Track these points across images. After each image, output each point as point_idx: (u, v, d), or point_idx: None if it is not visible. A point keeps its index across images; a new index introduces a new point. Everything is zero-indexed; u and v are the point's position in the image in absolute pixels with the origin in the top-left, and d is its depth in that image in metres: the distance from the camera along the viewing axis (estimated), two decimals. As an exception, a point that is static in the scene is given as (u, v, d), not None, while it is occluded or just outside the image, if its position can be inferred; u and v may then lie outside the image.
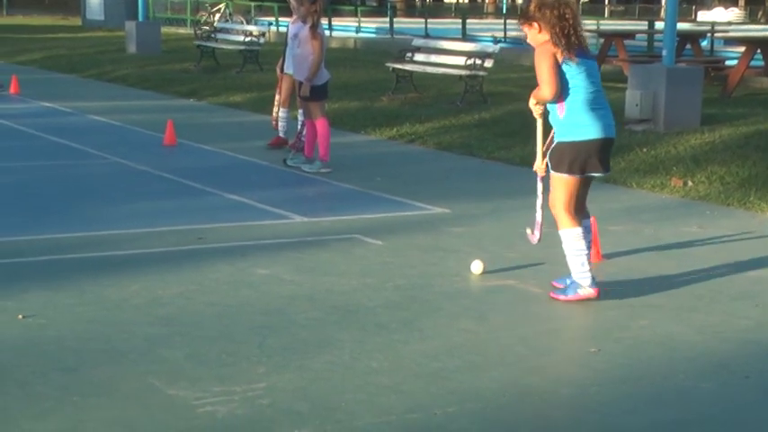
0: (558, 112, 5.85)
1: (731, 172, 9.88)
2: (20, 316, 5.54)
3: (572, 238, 5.91)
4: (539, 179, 6.27)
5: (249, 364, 4.93)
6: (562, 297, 6.00)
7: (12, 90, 16.93)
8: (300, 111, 10.73)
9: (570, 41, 5.74)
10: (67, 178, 9.77)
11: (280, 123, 11.69)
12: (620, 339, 5.46)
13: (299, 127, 10.85)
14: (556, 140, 5.92)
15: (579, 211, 6.05)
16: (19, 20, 42.80)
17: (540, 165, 6.18)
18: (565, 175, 5.86)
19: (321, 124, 10.09)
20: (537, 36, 5.86)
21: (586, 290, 5.93)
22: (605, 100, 5.96)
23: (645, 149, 11.05)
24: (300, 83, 10.16)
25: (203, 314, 5.69)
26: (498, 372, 4.94)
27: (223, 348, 5.13)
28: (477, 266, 6.56)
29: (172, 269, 6.55)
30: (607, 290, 6.10)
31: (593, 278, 5.94)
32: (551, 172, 5.92)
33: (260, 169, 10.46)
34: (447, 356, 5.09)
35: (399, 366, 4.95)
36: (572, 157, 5.82)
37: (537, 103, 5.97)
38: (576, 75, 5.78)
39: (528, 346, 5.38)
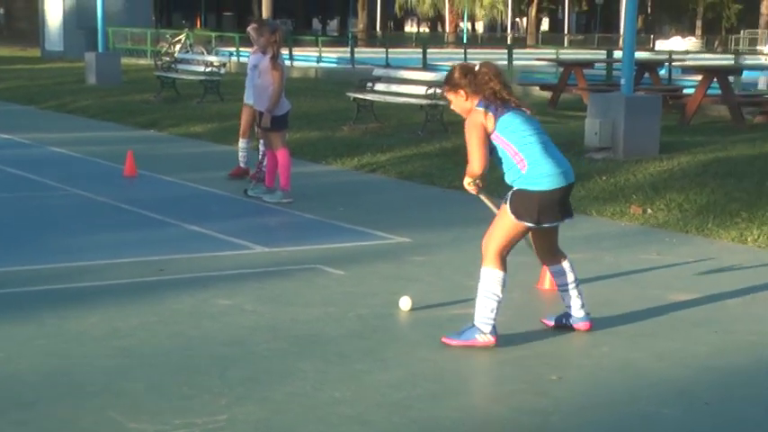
0: (521, 168, 5.59)
1: (689, 199, 9.98)
2: (-23, 350, 5.48)
3: (491, 280, 5.61)
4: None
5: (210, 396, 4.90)
6: (454, 341, 5.67)
7: (-30, 122, 16.80)
8: (261, 141, 10.73)
9: (502, 97, 5.60)
10: (27, 210, 9.69)
11: (240, 153, 11.68)
12: (580, 366, 5.49)
13: (259, 157, 10.85)
14: (518, 188, 5.62)
15: (553, 255, 5.88)
16: (-23, 51, 42.53)
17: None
18: (521, 223, 5.61)
19: (282, 154, 10.09)
20: (464, 103, 5.69)
21: (485, 337, 5.62)
22: (554, 144, 5.79)
23: (604, 177, 11.14)
24: (261, 113, 10.17)
25: (164, 346, 5.65)
26: (460, 400, 4.95)
27: (184, 380, 5.09)
28: (405, 303, 6.39)
29: (132, 301, 6.51)
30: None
31: (495, 327, 5.67)
32: (508, 214, 5.62)
33: (221, 200, 10.44)
34: (409, 385, 5.08)
35: (362, 396, 4.94)
36: (538, 207, 5.57)
37: (470, 183, 5.75)
38: (524, 127, 5.60)
39: (489, 374, 5.40)
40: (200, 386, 5.01)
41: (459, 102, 5.73)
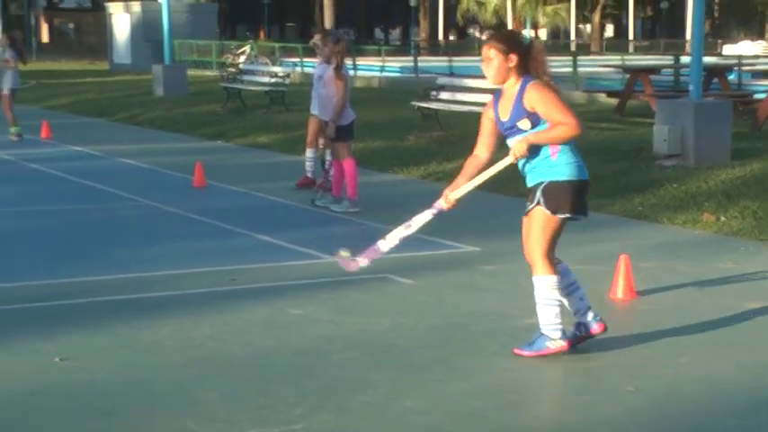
0: (551, 154, 5.46)
1: (764, 207, 9.78)
2: (56, 359, 5.54)
3: (546, 286, 5.47)
4: (435, 210, 5.94)
5: (285, 405, 4.90)
6: (527, 352, 5.54)
7: (43, 135, 17.08)
8: (327, 151, 10.76)
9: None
10: (99, 221, 9.81)
11: (307, 163, 11.73)
12: (658, 377, 5.39)
13: (326, 167, 10.88)
14: (549, 180, 5.43)
15: (553, 257, 5.56)
16: (48, 65, 43.30)
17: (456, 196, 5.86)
18: (558, 217, 5.43)
19: (348, 164, 10.10)
20: (505, 68, 5.51)
21: (557, 342, 5.50)
22: None
23: (675, 185, 10.98)
24: (326, 123, 10.20)
25: (238, 355, 5.67)
26: (537, 410, 4.90)
27: (258, 390, 5.10)
28: None
29: (205, 311, 6.55)
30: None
31: (564, 331, 5.52)
32: (544, 213, 5.44)
33: (289, 210, 10.48)
34: (484, 395, 5.04)
35: (436, 406, 4.90)
36: (572, 197, 5.42)
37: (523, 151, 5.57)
38: None
39: (565, 383, 5.33)
40: (275, 395, 5.02)
41: (503, 65, 5.51)
